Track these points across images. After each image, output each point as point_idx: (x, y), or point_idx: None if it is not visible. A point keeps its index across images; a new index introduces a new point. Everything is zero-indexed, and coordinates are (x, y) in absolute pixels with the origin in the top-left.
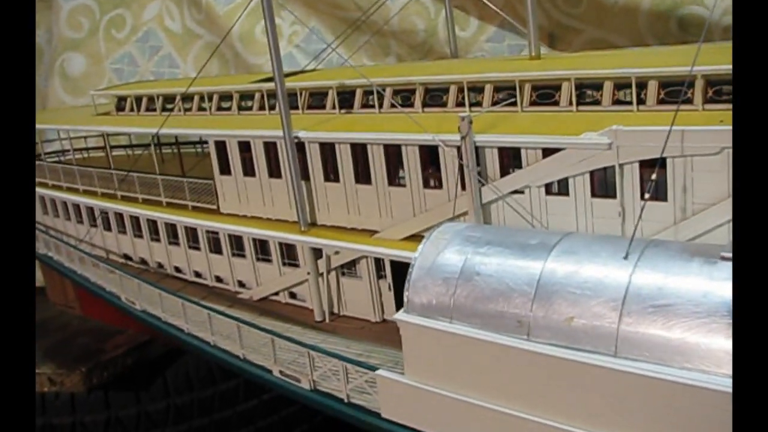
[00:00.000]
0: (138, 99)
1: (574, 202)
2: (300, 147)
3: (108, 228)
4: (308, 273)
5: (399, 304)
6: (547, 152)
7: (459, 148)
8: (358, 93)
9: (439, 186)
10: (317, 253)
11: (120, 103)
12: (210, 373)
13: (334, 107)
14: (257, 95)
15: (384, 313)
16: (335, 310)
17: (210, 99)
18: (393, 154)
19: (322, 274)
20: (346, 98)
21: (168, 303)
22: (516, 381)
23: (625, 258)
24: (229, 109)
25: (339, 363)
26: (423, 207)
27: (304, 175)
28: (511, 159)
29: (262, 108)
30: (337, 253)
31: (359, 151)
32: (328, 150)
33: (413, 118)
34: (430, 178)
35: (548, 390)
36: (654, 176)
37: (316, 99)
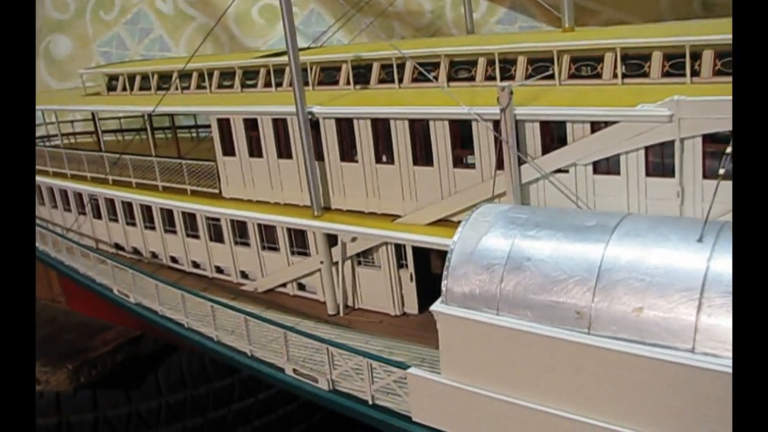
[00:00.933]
0: (131, 77)
1: (625, 181)
2: (313, 124)
3: (98, 215)
4: (321, 262)
5: (421, 296)
6: (596, 127)
7: (496, 123)
8: (375, 67)
9: (472, 165)
10: (331, 240)
11: (111, 83)
12: (204, 370)
13: (348, 83)
14: (262, 71)
15: (404, 306)
16: (350, 303)
17: (210, 76)
18: (419, 130)
19: (336, 264)
20: (361, 73)
21: (166, 295)
22: (574, 380)
23: (700, 241)
24: (231, 86)
25: (364, 361)
26: (452, 188)
27: (318, 154)
28: (554, 134)
29: (267, 85)
30: (354, 240)
31: (381, 127)
32: (345, 127)
33: (447, 91)
34: (462, 156)
35: (613, 390)
36: (729, 150)
37: (328, 74)
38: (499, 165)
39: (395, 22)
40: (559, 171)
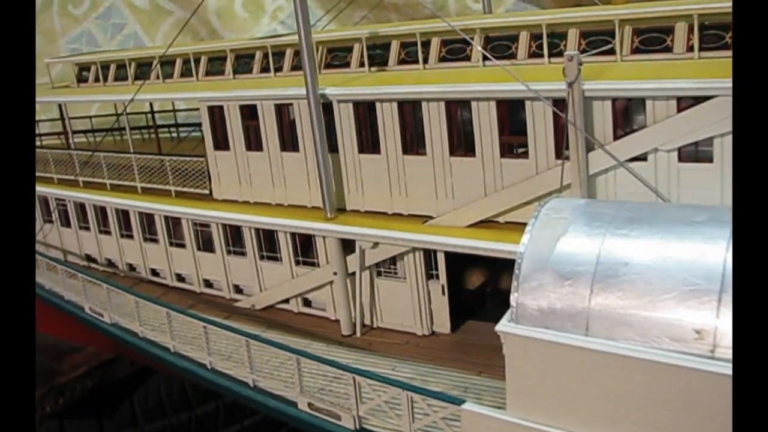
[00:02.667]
0: (105, 66)
1: (719, 170)
2: (325, 110)
3: (66, 223)
4: (334, 273)
5: (456, 313)
6: (683, 105)
7: (556, 102)
8: (395, 45)
9: (524, 154)
10: (346, 247)
11: (81, 74)
12: (184, 395)
13: (362, 65)
14: (258, 54)
15: (433, 324)
16: (367, 321)
17: (197, 62)
18: (457, 113)
19: (351, 275)
20: (377, 54)
21: (147, 314)
22: (692, 418)
23: None
24: (221, 73)
25: (403, 393)
26: (499, 182)
27: (331, 146)
28: (630, 114)
29: (265, 70)
30: (375, 246)
31: (409, 111)
32: (364, 111)
33: (505, 68)
34: (511, 143)
35: None
36: None
37: (338, 56)
38: (558, 154)
39: (392, 14)
40: (635, 159)
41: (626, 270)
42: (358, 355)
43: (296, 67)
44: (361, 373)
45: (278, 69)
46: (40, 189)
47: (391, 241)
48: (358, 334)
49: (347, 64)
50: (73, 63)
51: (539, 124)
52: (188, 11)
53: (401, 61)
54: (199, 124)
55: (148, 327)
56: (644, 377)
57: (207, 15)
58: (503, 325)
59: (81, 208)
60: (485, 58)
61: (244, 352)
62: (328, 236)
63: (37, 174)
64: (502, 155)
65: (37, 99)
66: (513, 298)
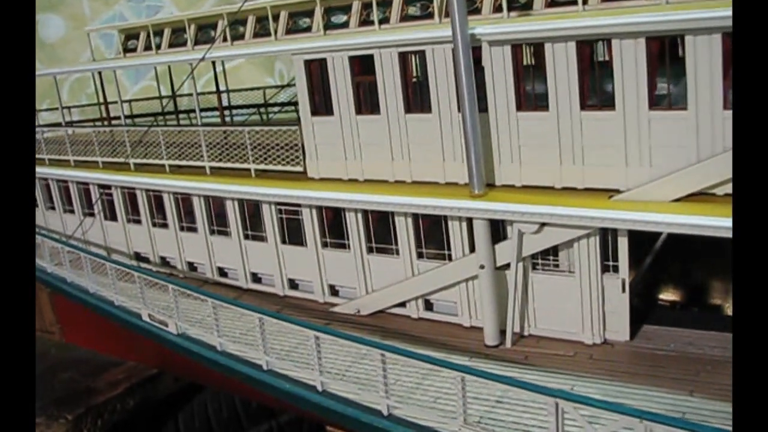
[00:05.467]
0: (157, 32)
1: None
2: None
3: (111, 216)
4: (481, 266)
5: (637, 314)
6: None
7: None
8: None
9: None
10: (494, 233)
11: (128, 43)
12: (234, 413)
13: (498, 9)
14: (356, 5)
15: (606, 330)
16: (516, 328)
17: (276, 18)
18: (661, 51)
19: (500, 269)
20: None
21: (225, 322)
22: None
23: None
24: (308, 29)
25: (641, 425)
26: (720, 143)
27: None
28: None
29: (365, 23)
30: (539, 230)
31: (591, 52)
32: (525, 56)
33: None
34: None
35: None
36: None
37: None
38: None
39: None
40: None
41: None
42: (518, 371)
43: (408, 17)
44: (570, 398)
45: (383, 21)
46: (81, 174)
47: (575, 221)
48: (509, 344)
49: (476, 10)
50: (119, 30)
51: None
52: None
53: (549, 4)
54: (256, 106)
55: (230, 339)
56: None
57: None
58: None
59: (131, 197)
60: None
61: (377, 369)
62: (477, 218)
63: (77, 158)
64: (727, 107)
65: (80, 67)
66: None
